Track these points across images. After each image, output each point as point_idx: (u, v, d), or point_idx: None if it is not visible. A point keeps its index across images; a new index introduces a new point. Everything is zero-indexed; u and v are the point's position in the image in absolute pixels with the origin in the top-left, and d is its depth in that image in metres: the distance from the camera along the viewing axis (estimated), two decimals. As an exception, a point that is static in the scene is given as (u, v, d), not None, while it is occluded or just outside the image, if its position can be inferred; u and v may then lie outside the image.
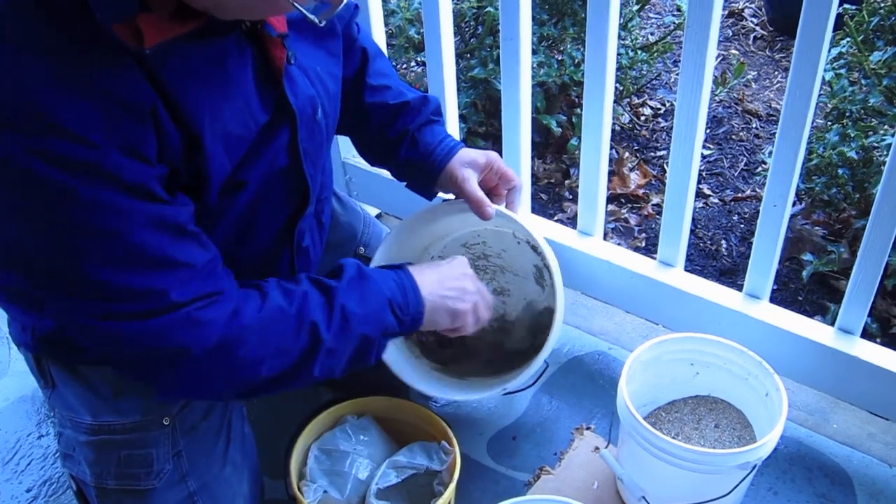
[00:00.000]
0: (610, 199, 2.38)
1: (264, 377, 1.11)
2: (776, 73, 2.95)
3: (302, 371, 1.14)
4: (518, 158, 1.82)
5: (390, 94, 1.43)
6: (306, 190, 1.21)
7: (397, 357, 1.49)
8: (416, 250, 1.59)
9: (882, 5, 2.00)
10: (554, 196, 2.46)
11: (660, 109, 2.76)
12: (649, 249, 2.25)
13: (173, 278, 1.03)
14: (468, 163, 1.40)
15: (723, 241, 2.27)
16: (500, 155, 1.83)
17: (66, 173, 0.92)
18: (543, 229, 1.86)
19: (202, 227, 1.10)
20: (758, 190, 2.42)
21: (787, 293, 2.09)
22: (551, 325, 1.40)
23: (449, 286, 1.29)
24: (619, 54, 2.52)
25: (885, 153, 1.93)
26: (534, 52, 2.32)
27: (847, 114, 2.04)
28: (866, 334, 1.62)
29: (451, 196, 1.45)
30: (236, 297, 1.10)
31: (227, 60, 1.04)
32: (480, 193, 1.38)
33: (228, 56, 1.04)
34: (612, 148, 2.49)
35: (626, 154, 2.55)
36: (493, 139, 2.46)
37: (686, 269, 1.76)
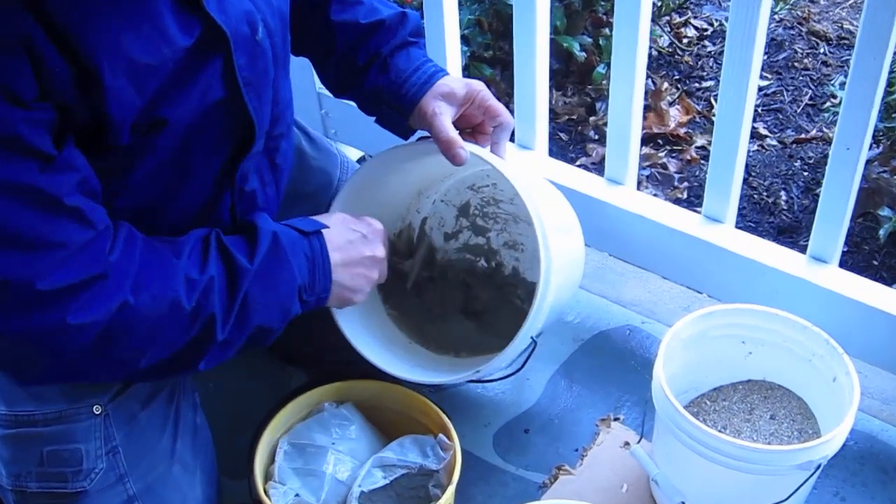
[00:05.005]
0: (645, 140, 2.36)
1: (142, 368, 1.15)
2: (849, -15, 2.93)
3: (187, 362, 1.18)
4: (532, 90, 1.80)
5: (362, 10, 1.42)
6: (251, 126, 1.20)
7: (359, 320, 1.50)
8: (405, 195, 1.60)
9: None
10: (576, 136, 2.45)
11: (706, 30, 2.74)
12: (692, 202, 2.25)
13: (40, 264, 1.03)
14: (444, 95, 1.39)
15: (782, 193, 2.27)
16: (511, 85, 1.82)
17: None
18: (563, 176, 1.85)
19: (118, 173, 1.10)
20: (826, 130, 2.41)
21: (861, 256, 2.08)
22: (533, 299, 1.38)
23: (357, 272, 1.34)
24: (657, -38, 2.50)
25: (982, 84, 1.91)
26: (553, -41, 2.30)
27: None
28: (956, 307, 1.61)
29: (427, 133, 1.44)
30: (127, 282, 1.10)
31: None
32: (450, 132, 1.36)
33: None
34: (647, 77, 2.47)
35: (665, 85, 2.54)
36: (501, 66, 2.45)
37: (737, 226, 1.75)
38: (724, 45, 1.54)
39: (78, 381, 1.21)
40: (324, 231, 1.31)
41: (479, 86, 1.42)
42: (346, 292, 1.33)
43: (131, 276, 1.11)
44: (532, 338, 1.43)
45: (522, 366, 1.51)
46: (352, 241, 1.34)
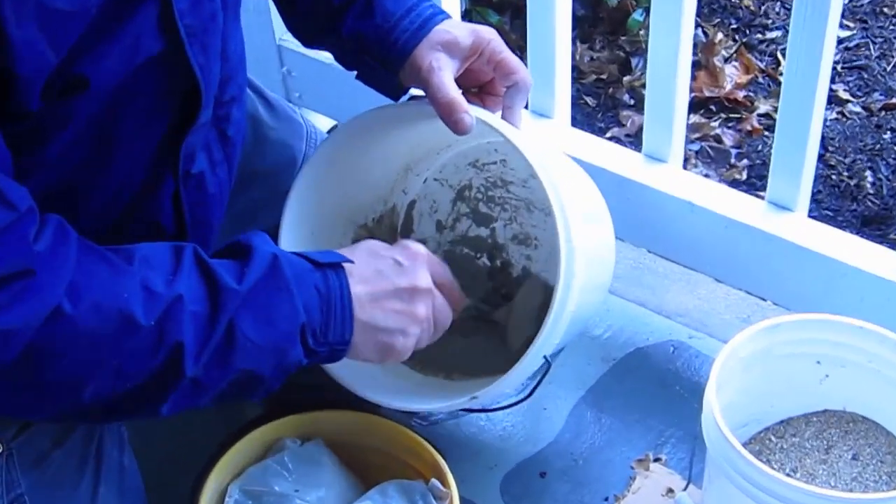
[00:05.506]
0: (693, 106, 2.36)
1: (88, 404, 1.13)
2: (953, -90, 2.93)
3: (146, 402, 1.17)
4: (551, 42, 1.81)
5: None
6: (196, 88, 1.20)
7: None
8: (388, 171, 1.60)
9: None
10: (607, 100, 2.47)
11: (771, -33, 2.74)
12: (754, 184, 2.26)
13: None
14: (444, 44, 1.38)
15: (868, 173, 2.28)
16: (524, 36, 1.82)
17: None
18: (589, 151, 1.85)
19: (28, 147, 1.10)
20: (922, 93, 2.41)
21: (967, 253, 2.08)
22: (550, 307, 1.37)
23: (392, 308, 1.30)
24: None
25: None
26: None
27: None
28: None
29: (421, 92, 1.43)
30: (60, 283, 1.09)
31: None
32: (452, 92, 1.35)
33: None
34: (697, 26, 2.47)
35: (720, 36, 2.55)
36: (511, 11, 2.46)
37: (810, 215, 1.76)
38: (793, -15, 1.54)
39: (1, 414, 1.20)
40: (346, 265, 1.28)
41: (489, 34, 1.41)
42: (384, 336, 1.30)
43: (66, 276, 1.09)
44: (545, 357, 1.42)
45: (531, 392, 1.50)
46: (380, 271, 1.31)
